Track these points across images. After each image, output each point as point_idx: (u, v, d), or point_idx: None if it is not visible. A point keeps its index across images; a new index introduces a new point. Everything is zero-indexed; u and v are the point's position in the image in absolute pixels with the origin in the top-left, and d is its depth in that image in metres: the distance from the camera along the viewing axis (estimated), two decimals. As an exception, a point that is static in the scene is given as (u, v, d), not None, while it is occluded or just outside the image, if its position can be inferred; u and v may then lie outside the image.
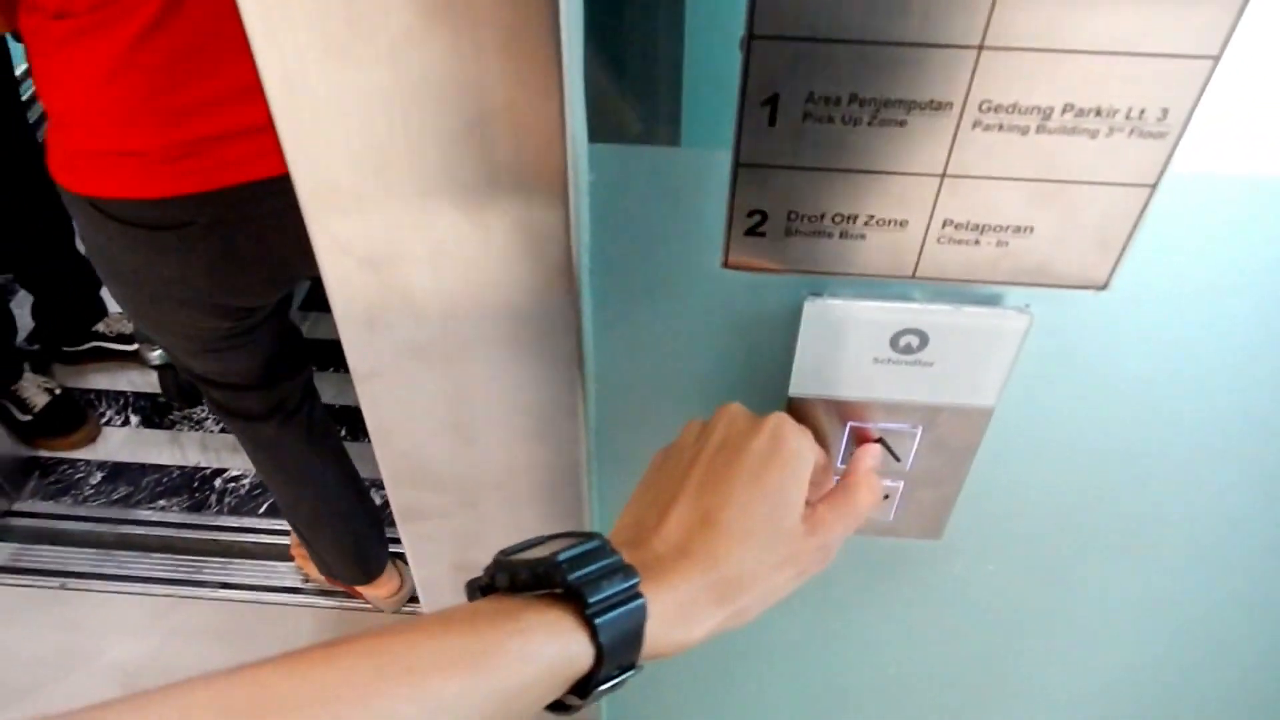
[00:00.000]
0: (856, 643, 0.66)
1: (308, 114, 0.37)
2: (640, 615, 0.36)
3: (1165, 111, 0.36)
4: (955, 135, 0.37)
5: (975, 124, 0.37)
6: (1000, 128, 0.37)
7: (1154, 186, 0.38)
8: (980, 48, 0.34)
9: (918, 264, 0.42)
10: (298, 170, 0.39)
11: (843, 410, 0.48)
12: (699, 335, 0.47)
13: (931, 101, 0.36)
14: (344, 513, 1.54)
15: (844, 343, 0.45)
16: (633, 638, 0.36)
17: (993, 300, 0.44)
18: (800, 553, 0.42)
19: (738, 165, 0.39)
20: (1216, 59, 0.34)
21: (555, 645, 0.34)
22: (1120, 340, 0.45)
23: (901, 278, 0.42)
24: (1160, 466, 0.50)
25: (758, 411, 0.45)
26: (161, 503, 1.93)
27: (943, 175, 0.38)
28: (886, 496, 0.52)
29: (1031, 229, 0.40)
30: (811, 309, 0.44)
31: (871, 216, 0.40)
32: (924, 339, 0.45)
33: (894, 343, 0.45)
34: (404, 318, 0.44)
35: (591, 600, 0.35)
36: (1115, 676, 0.64)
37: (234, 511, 1.91)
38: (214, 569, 1.83)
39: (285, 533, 1.83)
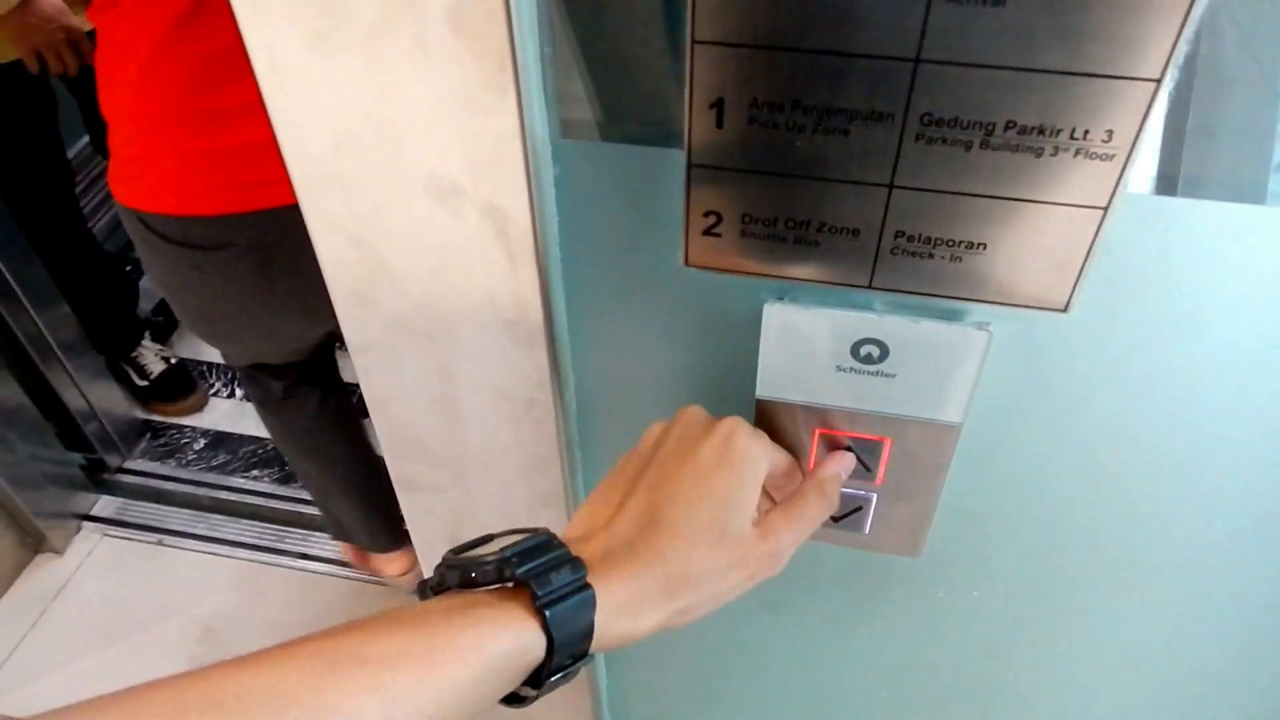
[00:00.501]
0: (850, 661, 0.66)
1: (292, 98, 0.40)
2: (589, 605, 0.37)
3: (1110, 133, 0.35)
4: (899, 147, 0.37)
5: (918, 136, 0.37)
6: (944, 141, 0.37)
7: (1106, 209, 0.37)
8: (916, 60, 0.35)
9: (873, 274, 0.42)
10: (287, 149, 0.42)
11: (809, 416, 0.49)
12: (672, 331, 0.49)
13: (873, 112, 0.37)
14: (356, 489, 1.57)
15: (806, 348, 0.46)
16: (582, 627, 0.37)
17: (954, 315, 0.44)
18: (749, 556, 0.42)
19: (690, 166, 0.40)
20: (1158, 82, 0.34)
21: (508, 636, 0.35)
22: (1088, 365, 0.44)
23: (859, 287, 0.43)
24: (1139, 501, 0.49)
25: (726, 411, 0.46)
26: (255, 472, 2.05)
27: (890, 186, 0.39)
28: (859, 508, 0.53)
29: (985, 246, 0.40)
30: (771, 312, 0.45)
31: (824, 223, 0.41)
32: (884, 350, 0.45)
33: (855, 351, 0.45)
34: (389, 294, 0.47)
35: (540, 592, 0.36)
36: (1106, 714, 0.62)
37: (318, 486, 2.01)
38: (295, 539, 1.93)
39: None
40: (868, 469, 0.50)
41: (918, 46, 0.35)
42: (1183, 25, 0.32)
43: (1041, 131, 0.36)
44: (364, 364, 0.52)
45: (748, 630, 0.66)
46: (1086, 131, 0.35)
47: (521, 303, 0.46)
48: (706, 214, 0.42)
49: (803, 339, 0.46)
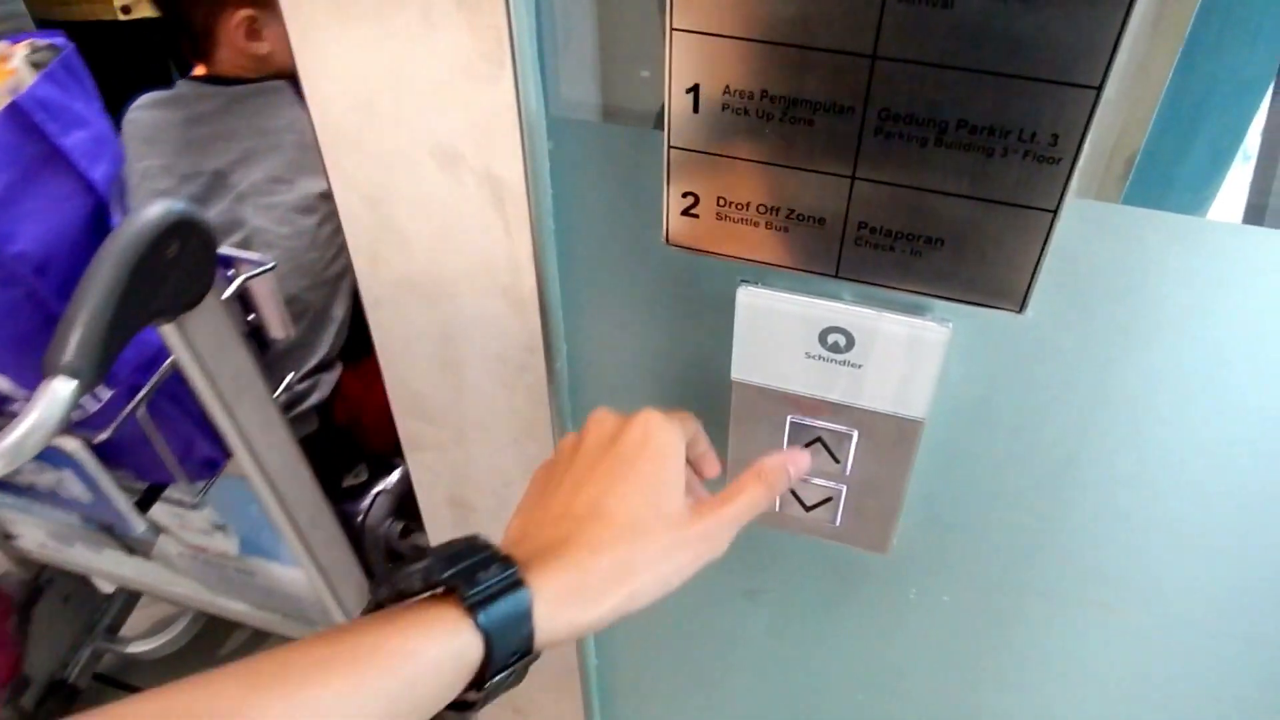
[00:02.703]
0: (825, 657, 0.67)
1: (319, 64, 0.44)
2: (524, 601, 0.37)
3: (1055, 138, 0.37)
4: (860, 139, 0.40)
5: (877, 131, 0.39)
6: (901, 137, 0.39)
7: (1055, 212, 0.39)
8: (873, 57, 0.37)
9: (839, 263, 0.44)
10: (315, 113, 0.47)
11: (781, 402, 0.51)
12: (657, 308, 0.51)
13: (835, 105, 0.39)
14: None
15: (776, 333, 0.48)
16: (519, 624, 0.37)
17: (918, 309, 0.46)
18: (687, 538, 0.43)
19: (669, 148, 0.43)
20: (1099, 89, 0.35)
21: (438, 640, 0.35)
22: (1047, 369, 0.45)
23: (827, 275, 0.45)
24: (1102, 513, 0.50)
25: (706, 391, 0.48)
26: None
27: (853, 177, 0.41)
28: (829, 499, 0.54)
29: (942, 242, 0.42)
30: (744, 296, 0.47)
31: (793, 210, 0.43)
32: (850, 340, 0.47)
33: (823, 340, 0.47)
34: (397, 252, 0.51)
35: (468, 592, 0.36)
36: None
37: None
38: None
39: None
40: (836, 460, 0.52)
41: (874, 44, 0.37)
42: (1119, 34, 0.34)
43: (991, 132, 0.38)
44: (376, 319, 0.56)
45: (728, 617, 0.68)
46: (1033, 134, 0.37)
47: (516, 268, 0.49)
48: (684, 195, 0.45)
49: (774, 324, 0.48)
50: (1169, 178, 0.41)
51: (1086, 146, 0.37)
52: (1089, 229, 0.41)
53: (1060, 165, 0.38)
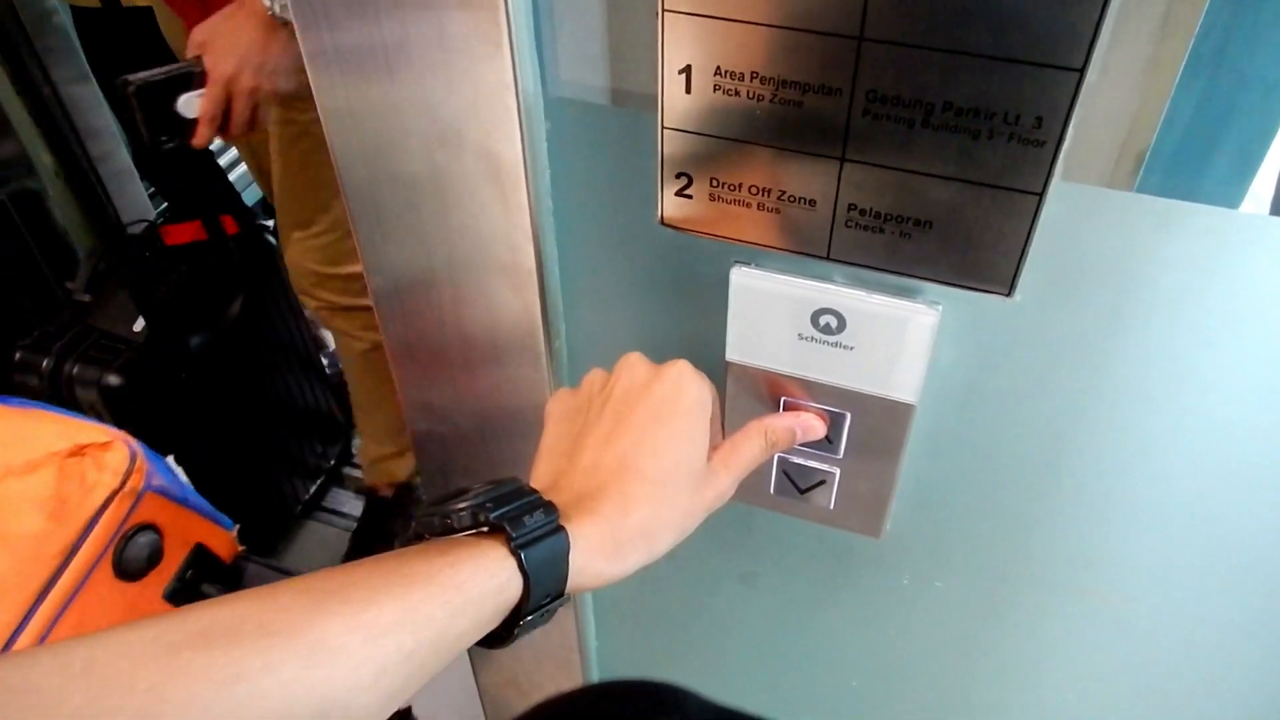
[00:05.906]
0: (818, 643, 0.68)
1: (321, 48, 0.46)
2: (563, 547, 0.40)
3: (1039, 120, 0.38)
4: (848, 121, 0.40)
5: (865, 112, 0.40)
6: (889, 118, 0.40)
7: (1041, 195, 0.39)
8: (860, 39, 0.38)
9: (830, 245, 0.45)
10: (320, 95, 0.48)
11: (775, 383, 0.51)
12: (654, 288, 0.52)
13: (823, 86, 0.40)
14: None
15: (769, 314, 0.49)
16: (557, 568, 0.39)
17: (908, 292, 0.46)
18: (705, 499, 0.46)
19: (662, 128, 0.44)
20: (1081, 71, 0.36)
21: (485, 574, 0.37)
22: (1036, 353, 0.46)
23: (818, 257, 0.46)
24: (1092, 501, 0.50)
25: (702, 371, 0.49)
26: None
27: (841, 159, 0.42)
28: (823, 481, 0.55)
29: (931, 224, 0.42)
30: (738, 277, 0.48)
31: (784, 192, 0.44)
32: (842, 321, 0.47)
33: (815, 321, 0.48)
34: (398, 231, 0.52)
35: (515, 534, 0.38)
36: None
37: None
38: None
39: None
40: (829, 441, 0.53)
41: (860, 25, 0.38)
42: (1100, 17, 0.34)
43: (976, 114, 0.38)
44: (379, 300, 0.57)
45: (724, 600, 0.69)
46: (1018, 117, 0.38)
47: (514, 247, 0.50)
48: (678, 176, 0.45)
49: (767, 305, 0.49)
50: (1191, 169, 0.42)
51: (1071, 130, 0.37)
52: (1083, 213, 0.41)
53: (1045, 148, 0.38)
